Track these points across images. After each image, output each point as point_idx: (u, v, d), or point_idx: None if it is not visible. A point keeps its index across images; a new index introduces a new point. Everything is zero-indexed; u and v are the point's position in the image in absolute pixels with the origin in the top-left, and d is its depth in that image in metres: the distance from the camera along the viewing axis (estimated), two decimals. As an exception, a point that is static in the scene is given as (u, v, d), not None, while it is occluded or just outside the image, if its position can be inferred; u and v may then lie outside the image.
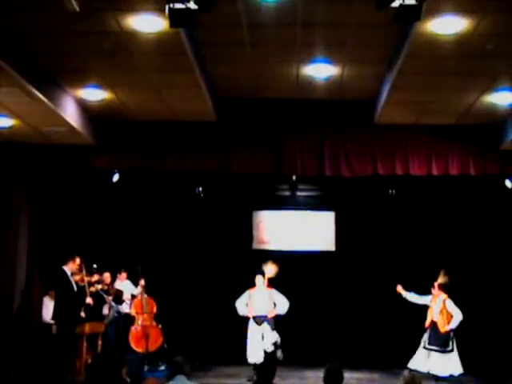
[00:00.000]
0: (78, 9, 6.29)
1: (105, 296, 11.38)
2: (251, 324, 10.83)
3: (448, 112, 9.78)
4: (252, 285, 11.00)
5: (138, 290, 11.86)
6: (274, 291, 10.99)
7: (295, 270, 12.31)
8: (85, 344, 10.70)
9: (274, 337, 10.61)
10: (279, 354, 10.37)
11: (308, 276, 12.94)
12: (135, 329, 11.58)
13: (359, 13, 7.02)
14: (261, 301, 10.85)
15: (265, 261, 11.18)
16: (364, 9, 6.81)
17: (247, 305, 10.91)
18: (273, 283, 10.98)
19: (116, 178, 11.29)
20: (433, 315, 10.50)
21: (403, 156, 10.33)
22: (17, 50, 7.51)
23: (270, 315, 10.79)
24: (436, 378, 10.17)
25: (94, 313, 11.01)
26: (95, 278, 10.99)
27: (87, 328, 10.73)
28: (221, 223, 13.30)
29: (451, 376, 10.19)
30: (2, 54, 7.14)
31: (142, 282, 11.69)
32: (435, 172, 10.30)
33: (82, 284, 10.30)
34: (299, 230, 13.51)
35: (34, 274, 10.77)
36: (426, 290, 10.79)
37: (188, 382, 6.06)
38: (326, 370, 5.90)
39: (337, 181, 11.40)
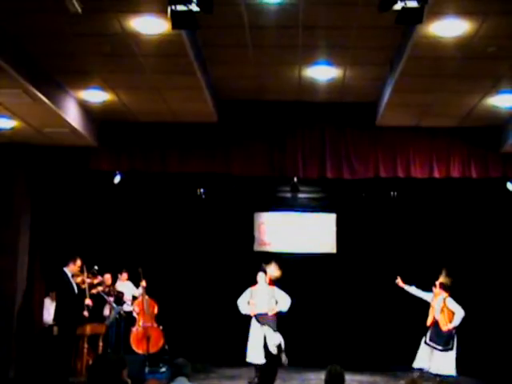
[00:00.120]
0: (80, 10, 6.29)
1: (106, 297, 11.39)
2: (253, 323, 10.85)
3: (450, 114, 9.77)
4: (253, 284, 11.03)
5: (138, 292, 11.88)
6: (275, 288, 11.02)
7: (296, 272, 12.30)
8: (86, 345, 10.69)
9: (277, 339, 10.62)
10: (284, 358, 10.38)
11: (309, 278, 12.94)
12: (136, 330, 11.59)
13: (361, 15, 7.02)
14: (262, 298, 10.87)
15: (267, 262, 11.22)
16: (366, 11, 6.81)
17: (249, 303, 10.93)
18: (274, 285, 11.01)
19: (117, 179, 11.30)
20: (434, 314, 10.54)
21: (405, 158, 10.32)
22: (19, 51, 7.52)
23: (272, 312, 10.81)
24: (437, 376, 10.23)
25: (95, 314, 11.01)
26: (96, 279, 11.00)
27: (88, 329, 10.72)
28: (222, 225, 13.31)
29: (446, 376, 10.24)
30: (4, 56, 7.15)
31: (143, 283, 11.71)
32: (437, 175, 10.29)
33: (83, 286, 10.31)
34: (300, 231, 13.52)
35: (36, 275, 10.77)
36: (426, 290, 10.83)
37: (189, 383, 6.06)
38: (328, 373, 5.91)
39: (338, 183, 11.40)
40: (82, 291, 10.29)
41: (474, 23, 6.72)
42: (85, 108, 9.74)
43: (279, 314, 10.98)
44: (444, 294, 10.56)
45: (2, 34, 7.08)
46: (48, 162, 10.72)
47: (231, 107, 10.32)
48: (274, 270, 11.15)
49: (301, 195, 13.35)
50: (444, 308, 10.49)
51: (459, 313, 10.36)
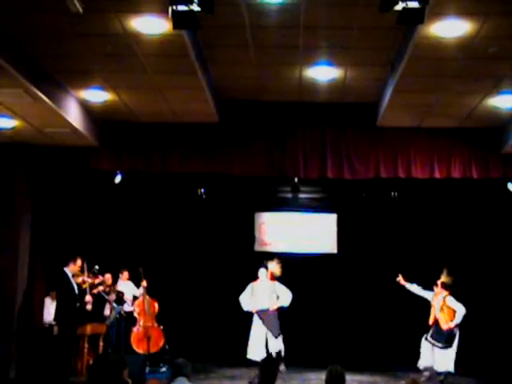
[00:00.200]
0: (81, 10, 6.29)
1: (106, 297, 11.39)
2: (255, 320, 10.87)
3: (451, 115, 9.77)
4: (254, 280, 11.07)
5: (139, 291, 11.88)
6: (276, 283, 11.06)
7: (297, 272, 12.29)
8: (86, 345, 10.69)
9: (277, 346, 10.64)
10: (282, 367, 10.42)
11: (310, 278, 12.93)
12: (137, 330, 11.59)
13: (362, 15, 7.02)
14: (264, 294, 10.93)
15: (268, 259, 11.28)
16: (367, 11, 6.82)
17: (250, 299, 10.96)
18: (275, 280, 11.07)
19: (118, 179, 11.30)
20: (435, 312, 10.56)
21: (406, 159, 10.32)
22: (20, 51, 7.52)
23: (273, 308, 10.83)
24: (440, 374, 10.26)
25: (96, 314, 11.01)
26: (96, 279, 11.01)
27: (88, 329, 10.73)
28: (223, 225, 13.31)
29: (443, 372, 10.27)
30: (5, 55, 7.15)
31: (144, 283, 11.71)
32: (437, 175, 10.29)
33: (84, 286, 10.31)
34: (301, 232, 13.52)
35: (36, 274, 10.77)
36: (427, 290, 10.85)
37: (189, 383, 6.06)
38: (329, 373, 5.90)
39: (339, 183, 11.41)
40: (82, 291, 10.30)
41: (475, 24, 6.72)
42: (86, 108, 9.74)
43: (280, 309, 11.00)
44: (444, 293, 10.59)
45: (3, 34, 7.09)
46: (49, 162, 10.73)
47: (232, 107, 10.32)
48: (275, 267, 11.19)
49: (301, 195, 13.35)
50: (443, 306, 10.52)
51: (460, 310, 10.38)
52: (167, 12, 6.17)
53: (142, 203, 13.08)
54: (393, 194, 12.65)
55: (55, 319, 10.35)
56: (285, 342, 10.99)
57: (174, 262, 13.12)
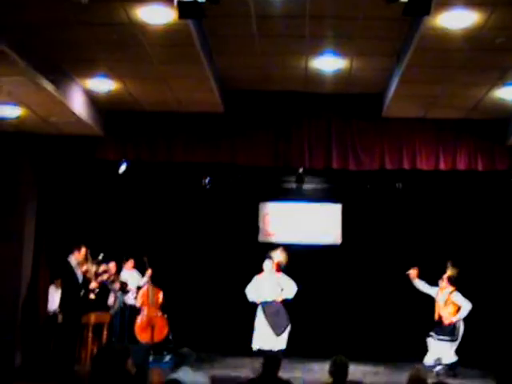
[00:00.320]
0: (86, 0, 6.29)
1: (110, 286, 11.42)
2: (259, 312, 10.89)
3: (456, 106, 9.74)
4: (259, 272, 11.08)
5: (144, 280, 11.90)
6: (281, 276, 11.06)
7: (301, 263, 12.28)
8: (90, 334, 10.74)
9: (279, 345, 10.66)
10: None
11: (314, 268, 12.93)
12: (141, 319, 11.63)
13: (368, 6, 6.99)
14: (269, 286, 10.94)
15: (272, 249, 11.28)
16: (373, 2, 6.78)
17: (256, 291, 10.98)
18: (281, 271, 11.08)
19: (123, 168, 11.30)
20: (439, 308, 10.55)
21: (411, 150, 10.29)
22: (25, 39, 7.51)
23: (278, 300, 10.86)
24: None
25: (100, 303, 11.05)
26: (101, 268, 11.04)
27: (93, 318, 10.77)
28: (227, 215, 13.31)
29: (449, 364, 10.28)
30: (10, 44, 7.15)
31: (149, 271, 11.73)
32: (443, 167, 10.26)
33: (88, 274, 10.34)
34: (305, 222, 13.51)
35: (41, 262, 10.81)
36: (432, 283, 10.83)
37: (193, 373, 6.09)
38: (333, 363, 5.92)
39: (343, 174, 11.40)
40: (86, 280, 10.33)
41: (483, 14, 6.68)
42: (91, 97, 9.73)
43: (285, 302, 11.01)
44: (450, 288, 10.57)
45: (8, 22, 7.06)
46: (54, 151, 10.74)
47: (237, 97, 10.30)
48: (280, 256, 11.19)
49: (306, 186, 13.32)
50: (448, 301, 10.50)
51: (466, 306, 10.38)
52: (173, 1, 6.16)
53: (147, 192, 13.08)
54: (397, 185, 12.63)
55: (60, 308, 10.39)
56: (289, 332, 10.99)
57: (178, 252, 13.14)
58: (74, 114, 9.32)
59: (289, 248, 11.65)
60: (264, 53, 8.53)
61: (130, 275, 12.05)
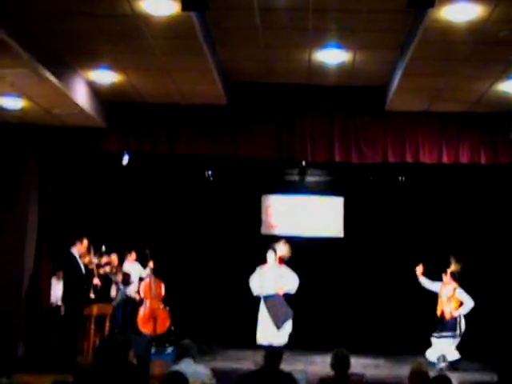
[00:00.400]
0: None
1: (112, 278, 11.44)
2: (262, 306, 10.90)
3: (460, 99, 9.72)
4: (263, 263, 11.10)
5: (146, 272, 11.91)
6: (284, 268, 11.07)
7: (303, 255, 12.29)
8: (93, 326, 10.77)
9: (280, 339, 10.67)
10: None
11: (316, 261, 12.96)
12: (143, 311, 11.65)
13: (372, -2, 6.97)
14: (272, 278, 10.93)
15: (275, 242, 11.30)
16: (377, -6, 6.77)
17: (259, 283, 10.99)
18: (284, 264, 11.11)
19: (126, 160, 11.30)
20: (441, 304, 10.55)
21: (414, 143, 10.27)
22: (28, 31, 7.49)
23: (280, 292, 10.87)
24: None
25: (102, 295, 11.07)
26: (103, 260, 11.06)
27: (95, 310, 10.80)
28: (230, 207, 13.32)
29: (452, 362, 10.30)
30: (13, 36, 7.13)
31: (151, 264, 11.75)
32: (445, 160, 10.25)
33: (91, 266, 10.36)
34: (308, 215, 13.53)
35: (43, 254, 10.83)
36: (434, 277, 10.82)
37: (195, 365, 6.10)
38: (334, 356, 5.94)
39: (346, 167, 11.40)
40: (89, 272, 10.35)
41: (487, 7, 6.65)
42: (94, 89, 9.72)
43: (286, 296, 11.02)
44: (454, 284, 10.57)
45: (10, 14, 7.05)
46: (57, 143, 10.74)
47: (240, 89, 10.28)
48: (282, 248, 11.20)
49: (308, 178, 13.34)
50: (452, 298, 10.50)
51: (469, 304, 10.39)
52: (176, -7, 6.15)
53: (149, 184, 13.10)
54: (400, 178, 12.62)
55: (62, 300, 10.41)
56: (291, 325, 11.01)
57: (180, 244, 13.16)
58: (76, 105, 9.32)
59: (291, 240, 11.65)
60: (267, 45, 8.51)
61: (133, 267, 12.07)
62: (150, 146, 10.53)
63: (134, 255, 12.12)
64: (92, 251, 10.60)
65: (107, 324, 11.24)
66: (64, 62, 8.62)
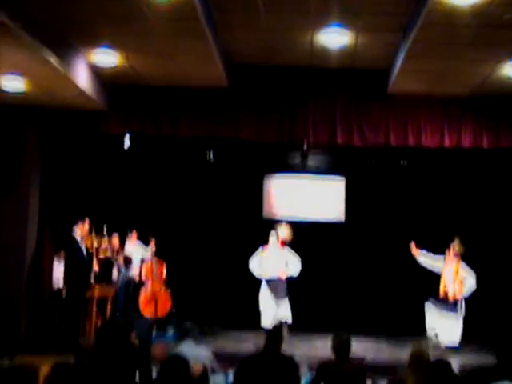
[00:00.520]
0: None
1: (114, 260, 11.47)
2: (263, 287, 10.93)
3: (462, 83, 9.68)
4: (265, 244, 11.13)
5: (148, 253, 11.93)
6: (287, 250, 11.08)
7: (304, 238, 12.31)
8: (94, 308, 10.83)
9: (284, 313, 10.72)
10: (285, 332, 10.46)
11: (317, 244, 12.97)
12: (144, 293, 11.69)
13: (375, -20, 6.93)
14: (273, 260, 10.98)
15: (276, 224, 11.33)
16: (380, -24, 6.72)
17: (260, 265, 11.02)
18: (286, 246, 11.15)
19: (127, 142, 11.29)
20: (445, 284, 10.56)
21: (416, 127, 10.26)
22: (29, 12, 7.45)
23: (283, 276, 10.89)
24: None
25: (104, 277, 11.11)
26: (104, 242, 11.08)
27: (97, 292, 10.85)
28: (231, 189, 13.31)
29: (453, 347, 10.35)
30: (13, 17, 7.09)
31: (153, 242, 11.77)
32: (447, 144, 10.24)
33: (92, 249, 10.39)
34: (309, 197, 13.50)
35: (45, 235, 10.85)
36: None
37: (196, 346, 6.14)
38: (335, 340, 5.96)
39: (348, 150, 11.39)
40: (90, 254, 10.38)
41: (491, -10, 6.62)
42: (95, 71, 9.69)
43: (289, 279, 11.05)
44: (457, 262, 10.58)
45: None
46: (59, 125, 10.74)
47: (242, 72, 10.26)
48: (284, 231, 11.21)
49: (310, 161, 13.32)
50: (456, 277, 10.51)
51: (470, 283, 10.42)
52: (178, -25, 6.11)
53: (151, 166, 13.09)
54: (402, 162, 12.61)
55: (64, 282, 10.45)
56: (292, 307, 11.04)
57: (182, 226, 13.17)
58: (78, 87, 9.29)
59: (292, 223, 11.66)
60: (269, 27, 8.46)
61: (134, 248, 12.09)
62: (152, 128, 10.53)
63: (135, 235, 12.14)
64: (93, 233, 10.61)
65: (109, 306, 11.30)
66: (65, 44, 8.58)
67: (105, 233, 11.39)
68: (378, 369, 8.13)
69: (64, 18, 7.79)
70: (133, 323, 5.75)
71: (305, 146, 12.01)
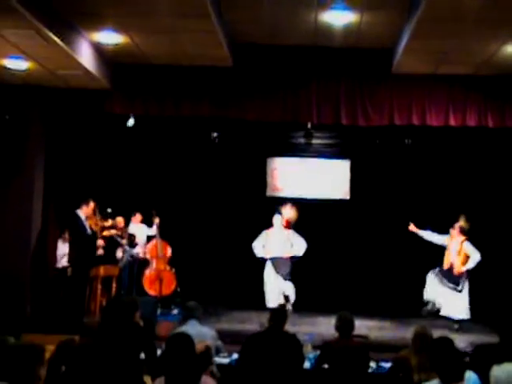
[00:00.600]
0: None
1: (118, 240, 11.50)
2: (267, 267, 10.95)
3: (468, 62, 9.61)
4: (268, 227, 11.12)
5: (153, 230, 11.96)
6: (291, 232, 11.09)
7: (308, 218, 12.30)
8: (99, 287, 10.88)
9: (287, 289, 10.75)
10: (289, 307, 10.51)
11: (321, 224, 12.97)
12: (149, 272, 11.74)
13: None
14: (278, 241, 10.97)
15: (281, 205, 11.31)
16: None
17: (264, 246, 11.03)
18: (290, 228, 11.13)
19: (131, 122, 11.26)
20: (450, 257, 10.57)
21: (420, 106, 10.22)
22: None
23: (287, 255, 10.91)
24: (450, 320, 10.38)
25: (108, 256, 11.15)
26: (109, 222, 11.11)
27: (102, 271, 10.90)
28: (235, 169, 13.29)
29: (459, 320, 10.36)
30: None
31: (157, 220, 11.79)
32: (452, 123, 10.20)
33: (96, 228, 10.42)
34: (314, 177, 13.49)
35: (50, 216, 10.88)
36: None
37: (200, 326, 6.16)
38: (338, 319, 5.99)
39: (352, 129, 11.35)
40: (95, 234, 10.41)
41: (497, -32, 6.56)
42: (98, 50, 9.66)
43: (294, 259, 11.06)
44: (461, 238, 10.58)
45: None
46: (62, 105, 10.73)
47: (246, 51, 10.21)
48: (289, 212, 11.20)
49: (314, 141, 13.28)
50: (461, 251, 10.52)
51: (475, 257, 10.41)
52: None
53: (155, 146, 13.06)
54: (407, 141, 12.57)
55: (69, 261, 10.50)
56: (296, 287, 11.07)
57: (186, 206, 13.17)
58: (81, 66, 9.27)
59: (296, 203, 11.65)
60: (273, 6, 8.41)
61: (138, 229, 12.13)
62: (156, 108, 10.50)
63: (139, 216, 12.17)
64: (98, 213, 10.64)
65: (114, 285, 11.35)
66: (68, 23, 8.55)
67: (109, 213, 11.40)
68: (382, 348, 8.14)
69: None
70: (137, 302, 5.77)
71: (309, 126, 11.98)
